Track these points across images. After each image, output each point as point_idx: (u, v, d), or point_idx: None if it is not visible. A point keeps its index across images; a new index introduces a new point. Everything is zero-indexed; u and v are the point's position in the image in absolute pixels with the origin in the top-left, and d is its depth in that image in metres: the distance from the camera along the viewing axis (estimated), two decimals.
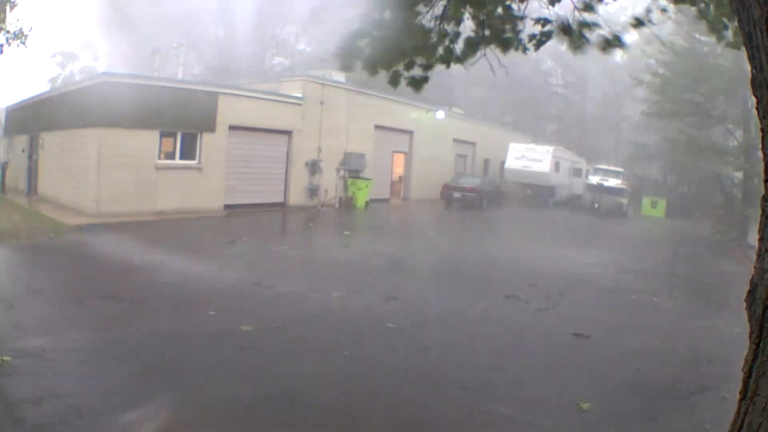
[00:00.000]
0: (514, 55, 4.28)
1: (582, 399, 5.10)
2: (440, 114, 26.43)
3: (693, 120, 22.22)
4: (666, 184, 35.60)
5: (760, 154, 2.00)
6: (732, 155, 21.38)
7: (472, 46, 4.18)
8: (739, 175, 21.78)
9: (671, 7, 4.14)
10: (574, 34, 4.02)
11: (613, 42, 4.07)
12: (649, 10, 4.10)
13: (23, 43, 11.81)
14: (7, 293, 7.25)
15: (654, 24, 4.11)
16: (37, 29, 12.47)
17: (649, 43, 22.78)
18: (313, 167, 20.34)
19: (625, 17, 4.43)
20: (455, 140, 28.86)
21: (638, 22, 4.10)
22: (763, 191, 1.86)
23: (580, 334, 7.15)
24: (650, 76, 23.85)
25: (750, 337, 1.77)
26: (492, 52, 4.30)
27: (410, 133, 25.71)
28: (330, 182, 21.03)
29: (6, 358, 4.98)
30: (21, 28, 11.79)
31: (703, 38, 21.72)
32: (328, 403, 4.88)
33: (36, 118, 20.54)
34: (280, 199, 19.64)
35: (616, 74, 39.69)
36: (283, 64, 39.87)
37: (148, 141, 15.60)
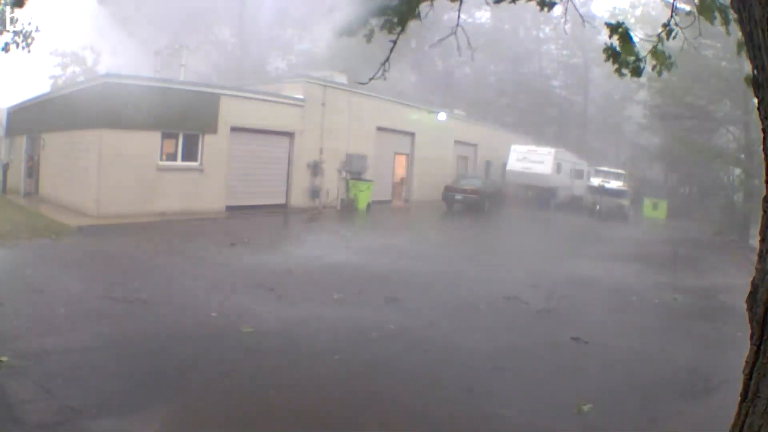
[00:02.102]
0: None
1: (582, 401, 5.09)
2: (442, 116, 26.41)
3: (694, 123, 22.19)
4: (667, 185, 35.53)
5: (761, 154, 1.99)
6: (733, 157, 21.35)
7: None
8: (740, 176, 21.75)
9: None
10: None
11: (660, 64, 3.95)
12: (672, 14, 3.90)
13: (27, 45, 11.78)
14: (8, 293, 7.25)
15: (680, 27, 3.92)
16: (40, 30, 12.45)
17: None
18: (315, 169, 20.34)
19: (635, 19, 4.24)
20: (457, 142, 28.84)
21: (668, 30, 3.93)
22: (764, 192, 1.85)
23: (578, 338, 7.14)
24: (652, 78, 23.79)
25: (751, 338, 1.75)
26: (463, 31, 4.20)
27: (412, 134, 25.69)
28: (331, 184, 21.02)
29: (3, 358, 4.98)
30: (28, 29, 11.75)
31: (705, 41, 21.71)
32: (328, 404, 4.87)
33: (38, 119, 20.55)
34: (282, 201, 19.63)
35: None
36: (285, 66, 39.85)
37: (149, 142, 15.60)
